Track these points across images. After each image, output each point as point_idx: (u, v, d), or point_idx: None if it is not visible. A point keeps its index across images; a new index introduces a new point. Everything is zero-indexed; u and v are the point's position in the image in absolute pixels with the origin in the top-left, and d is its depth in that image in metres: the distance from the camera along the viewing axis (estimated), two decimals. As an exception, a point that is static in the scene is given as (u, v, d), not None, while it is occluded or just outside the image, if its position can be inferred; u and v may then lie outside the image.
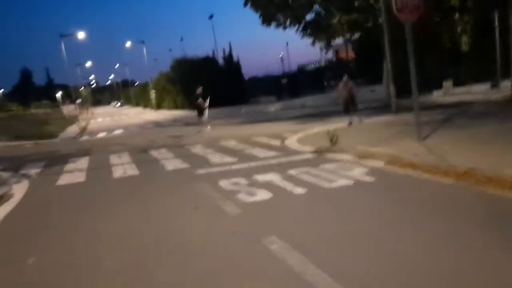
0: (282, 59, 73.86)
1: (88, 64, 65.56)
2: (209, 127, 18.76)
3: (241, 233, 4.76)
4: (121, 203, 6.76)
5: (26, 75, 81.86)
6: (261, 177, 7.38)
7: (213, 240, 4.63)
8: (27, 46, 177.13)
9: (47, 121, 38.83)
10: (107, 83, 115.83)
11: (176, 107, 42.71)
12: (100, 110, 76.34)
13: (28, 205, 7.28)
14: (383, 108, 18.50)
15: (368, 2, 17.83)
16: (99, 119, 45.98)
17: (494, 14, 20.09)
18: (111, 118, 45.64)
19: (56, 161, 12.16)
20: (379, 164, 7.46)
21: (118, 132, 24.36)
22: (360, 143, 9.28)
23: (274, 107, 26.68)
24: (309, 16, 22.15)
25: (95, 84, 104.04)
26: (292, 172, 7.53)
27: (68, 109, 57.37)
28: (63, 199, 7.49)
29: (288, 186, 6.61)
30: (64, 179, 9.12)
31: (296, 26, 22.64)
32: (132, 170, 9.55)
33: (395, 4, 7.55)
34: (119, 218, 5.91)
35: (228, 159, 9.88)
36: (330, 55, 59.57)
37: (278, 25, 22.90)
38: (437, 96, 21.16)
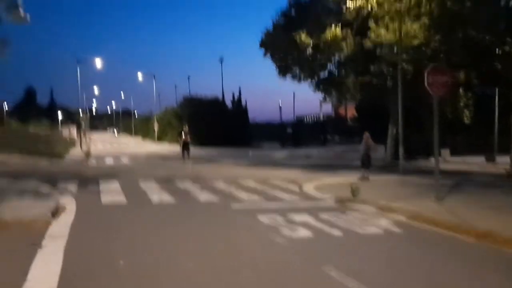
0: (280, 107, 76.16)
1: (95, 89, 66.51)
2: (190, 163, 20.22)
3: (300, 260, 5.56)
4: (176, 226, 7.48)
5: (30, 93, 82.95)
6: (296, 217, 8.18)
7: (278, 261, 5.41)
8: (36, 66, 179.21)
9: (50, 141, 39.22)
10: (107, 110, 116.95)
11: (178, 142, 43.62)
12: (96, 136, 76.79)
13: (86, 218, 7.95)
14: (386, 167, 19.61)
15: (383, 69, 19.33)
16: (99, 145, 46.45)
17: (495, 91, 21.84)
18: (111, 146, 46.19)
19: (86, 181, 12.84)
20: (401, 218, 8.33)
21: (125, 160, 24.98)
22: (380, 198, 10.19)
23: (280, 154, 27.71)
24: (323, 73, 23.59)
25: (95, 110, 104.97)
26: (323, 216, 8.36)
27: (67, 131, 57.93)
28: (117, 217, 8.18)
29: (325, 227, 7.42)
30: (106, 199, 9.81)
31: (310, 80, 24.02)
32: (167, 198, 10.28)
33: (427, 79, 8.78)
34: (182, 238, 6.63)
35: (254, 197, 10.70)
36: (329, 109, 61.94)
37: (293, 78, 24.29)
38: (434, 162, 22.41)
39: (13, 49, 9.98)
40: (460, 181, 13.93)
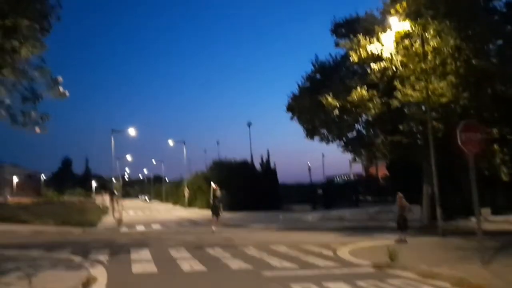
0: (310, 168, 75.60)
1: (128, 157, 68.41)
2: (214, 228, 19.58)
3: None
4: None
5: (66, 163, 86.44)
6: (331, 285, 7.79)
7: None
8: (73, 136, 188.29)
9: (83, 209, 39.97)
10: (139, 177, 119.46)
11: (208, 207, 43.53)
12: (129, 203, 77.83)
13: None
14: (424, 229, 18.80)
15: (413, 127, 19.14)
16: (131, 212, 46.91)
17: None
18: (142, 212, 46.60)
19: (117, 250, 12.81)
20: (445, 284, 7.80)
21: (156, 226, 25.00)
22: (420, 262, 9.63)
23: (311, 216, 27.13)
24: (351, 133, 23.52)
25: (128, 177, 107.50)
26: (361, 283, 7.93)
27: (100, 199, 59.30)
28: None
29: (364, 296, 7.00)
30: (137, 268, 9.68)
31: (338, 141, 23.94)
32: (198, 266, 10.05)
33: (460, 137, 8.58)
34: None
35: (287, 264, 10.32)
36: (360, 168, 61.09)
37: (321, 139, 24.31)
38: (475, 222, 21.34)
39: (52, 121, 10.45)
40: (506, 242, 13.09)
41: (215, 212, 20.24)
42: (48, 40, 10.25)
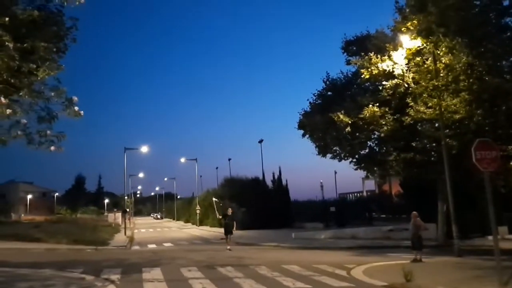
0: (322, 186, 75.01)
1: (140, 175, 68.92)
2: (229, 246, 19.56)
3: None
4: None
5: (79, 181, 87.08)
6: (346, 307, 7.62)
7: None
8: (87, 154, 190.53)
9: (96, 228, 40.12)
10: (151, 194, 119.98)
11: (220, 225, 43.39)
12: (140, 220, 78.02)
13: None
14: (439, 247, 18.45)
15: (426, 144, 18.94)
16: (142, 230, 47.00)
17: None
18: (154, 230, 46.60)
19: (129, 269, 12.76)
20: (464, 306, 7.59)
21: (168, 245, 24.93)
22: (436, 283, 9.42)
23: (323, 234, 26.81)
24: (363, 151, 23.32)
25: (140, 194, 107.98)
26: (377, 305, 7.75)
27: (112, 217, 59.56)
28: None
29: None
30: (150, 289, 9.62)
31: (350, 158, 23.74)
32: (210, 286, 9.93)
33: (475, 155, 8.46)
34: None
35: (300, 284, 10.15)
36: (372, 185, 60.37)
37: (333, 157, 24.16)
38: (492, 240, 20.90)
39: (67, 139, 10.56)
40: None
41: (227, 231, 20.18)
42: (63, 61, 10.47)
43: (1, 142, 9.90)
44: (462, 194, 20.06)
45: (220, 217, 21.56)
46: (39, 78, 9.83)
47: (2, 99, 9.23)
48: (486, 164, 8.48)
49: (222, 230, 22.39)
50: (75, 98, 10.31)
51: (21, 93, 9.82)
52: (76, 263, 14.18)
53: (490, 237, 21.32)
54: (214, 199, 20.68)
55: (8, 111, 9.42)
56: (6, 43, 8.52)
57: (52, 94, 10.18)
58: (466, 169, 15.80)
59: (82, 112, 10.41)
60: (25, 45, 9.15)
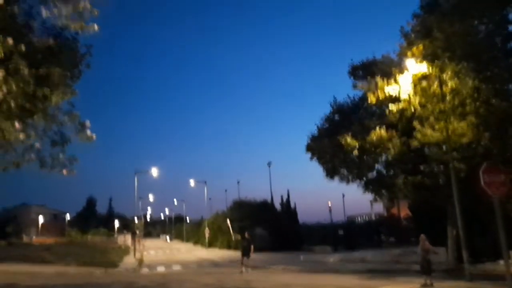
0: (330, 208, 74.42)
1: (150, 197, 69.03)
2: (249, 269, 19.72)
3: None
4: None
5: (90, 203, 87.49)
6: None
7: None
8: (98, 176, 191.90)
9: (105, 250, 40.23)
10: (161, 217, 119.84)
11: (228, 247, 43.17)
12: (150, 242, 77.69)
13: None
14: (450, 272, 18.19)
15: (434, 168, 18.89)
16: (152, 252, 46.86)
17: None
18: (163, 252, 46.45)
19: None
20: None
21: (177, 267, 24.87)
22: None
23: (332, 258, 26.55)
24: (371, 173, 23.30)
25: (149, 216, 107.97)
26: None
27: (122, 239, 59.63)
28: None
29: None
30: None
31: (358, 181, 23.70)
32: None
33: (483, 179, 8.51)
34: None
35: (307, 309, 10.13)
36: (381, 208, 59.77)
37: (341, 180, 24.15)
38: (503, 265, 20.50)
39: (78, 162, 10.77)
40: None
41: (245, 253, 20.37)
42: (76, 85, 10.78)
43: (15, 165, 10.16)
44: (473, 218, 19.83)
45: (239, 238, 21.79)
46: (53, 103, 10.13)
47: (17, 123, 9.51)
48: (495, 189, 8.50)
49: (231, 252, 22.38)
50: (88, 123, 10.55)
51: (35, 118, 10.10)
52: (86, 286, 14.29)
53: (502, 262, 20.97)
54: (228, 220, 20.80)
55: (22, 135, 9.70)
56: (22, 69, 8.83)
57: (66, 118, 10.46)
58: (476, 192, 15.72)
59: (94, 135, 10.65)
60: (40, 71, 9.48)
